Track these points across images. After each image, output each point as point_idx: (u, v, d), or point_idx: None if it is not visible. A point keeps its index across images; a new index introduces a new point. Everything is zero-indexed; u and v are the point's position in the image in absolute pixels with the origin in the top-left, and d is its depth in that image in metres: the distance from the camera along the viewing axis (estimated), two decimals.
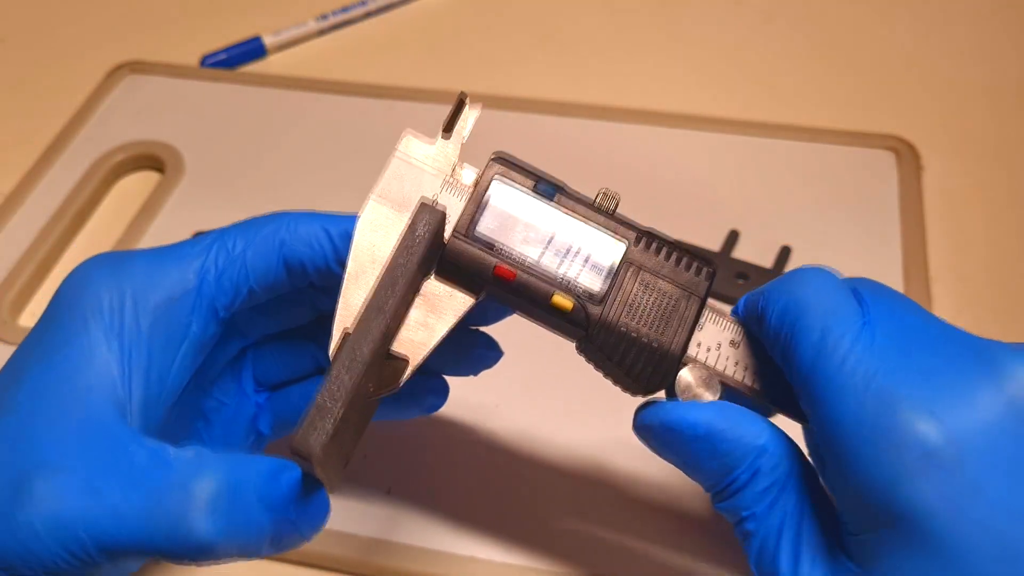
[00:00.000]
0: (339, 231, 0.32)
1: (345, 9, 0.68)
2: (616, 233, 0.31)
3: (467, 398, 0.44)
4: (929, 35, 0.64)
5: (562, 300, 0.30)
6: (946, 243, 0.50)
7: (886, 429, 0.25)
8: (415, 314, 0.30)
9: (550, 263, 0.31)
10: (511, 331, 0.46)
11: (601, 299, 0.30)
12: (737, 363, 0.31)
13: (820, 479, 0.29)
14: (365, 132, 0.58)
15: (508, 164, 0.31)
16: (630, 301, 0.30)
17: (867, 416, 0.25)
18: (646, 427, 0.30)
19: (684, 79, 0.62)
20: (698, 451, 0.29)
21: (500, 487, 0.41)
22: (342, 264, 0.32)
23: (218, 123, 0.60)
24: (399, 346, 0.30)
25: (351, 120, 0.59)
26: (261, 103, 0.61)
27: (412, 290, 0.30)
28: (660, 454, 0.31)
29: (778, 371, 0.30)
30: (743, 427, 0.29)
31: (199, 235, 0.33)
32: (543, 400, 0.44)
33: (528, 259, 0.31)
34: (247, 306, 0.33)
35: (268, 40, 0.67)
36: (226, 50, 0.66)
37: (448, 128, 0.31)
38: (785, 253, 0.49)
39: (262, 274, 0.32)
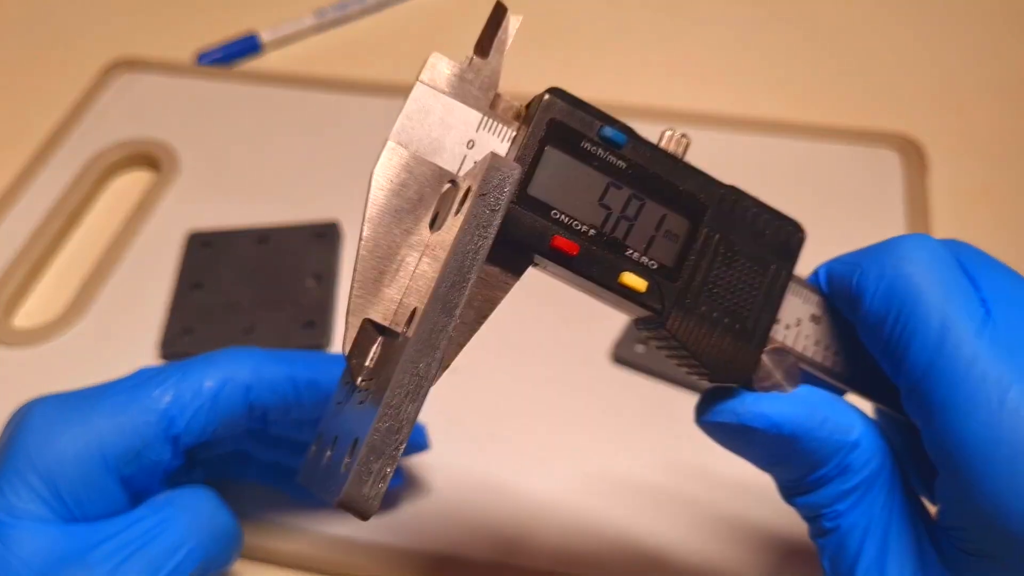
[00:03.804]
0: (305, 381, 0.34)
1: (342, 5, 0.68)
2: (697, 191, 0.26)
3: (467, 399, 0.43)
4: (935, 32, 0.64)
5: (634, 280, 0.25)
6: None
7: None
8: None
9: (617, 231, 0.25)
10: (514, 328, 0.45)
11: (678, 275, 0.25)
12: (818, 342, 0.27)
13: (912, 478, 0.27)
14: (362, 130, 0.57)
15: (567, 101, 0.25)
16: (711, 276, 0.26)
17: (1003, 435, 0.22)
18: (716, 424, 0.27)
19: (686, 76, 0.62)
20: (780, 449, 0.26)
21: (501, 488, 0.41)
22: (303, 410, 0.34)
23: (214, 121, 0.60)
24: None
25: (348, 118, 0.59)
26: (257, 100, 0.61)
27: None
28: (729, 449, 0.28)
29: (866, 353, 0.26)
30: (833, 422, 0.25)
31: (152, 369, 0.34)
32: (545, 401, 0.44)
33: (592, 227, 0.25)
34: (207, 442, 0.34)
35: (264, 37, 0.66)
36: (222, 47, 0.65)
37: (483, 48, 0.25)
38: None
39: (227, 416, 0.34)
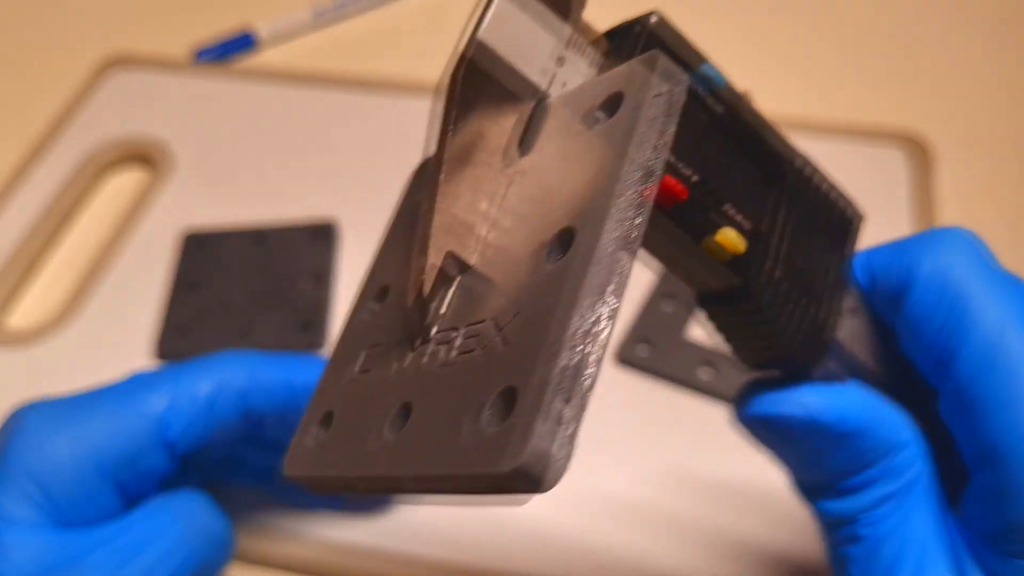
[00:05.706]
0: (302, 385, 0.33)
1: (340, 3, 0.67)
2: (780, 148, 0.22)
3: None
4: (940, 28, 0.64)
5: (733, 238, 0.21)
6: None
7: None
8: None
9: (715, 182, 0.21)
10: None
11: (763, 241, 0.22)
12: (861, 339, 0.24)
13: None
14: (360, 127, 0.57)
15: (671, 27, 0.22)
16: (790, 248, 0.22)
17: None
18: (766, 418, 0.24)
19: None
20: (830, 447, 0.24)
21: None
22: (299, 415, 0.33)
23: (209, 118, 0.59)
24: None
25: (346, 115, 0.58)
26: (254, 97, 0.60)
27: None
28: (765, 445, 0.25)
29: (896, 354, 0.24)
30: (889, 420, 0.23)
31: (147, 375, 0.34)
32: None
33: (696, 173, 0.21)
34: (204, 447, 0.34)
35: (261, 33, 0.65)
36: (218, 44, 0.65)
37: None
38: None
39: (222, 422, 0.33)
